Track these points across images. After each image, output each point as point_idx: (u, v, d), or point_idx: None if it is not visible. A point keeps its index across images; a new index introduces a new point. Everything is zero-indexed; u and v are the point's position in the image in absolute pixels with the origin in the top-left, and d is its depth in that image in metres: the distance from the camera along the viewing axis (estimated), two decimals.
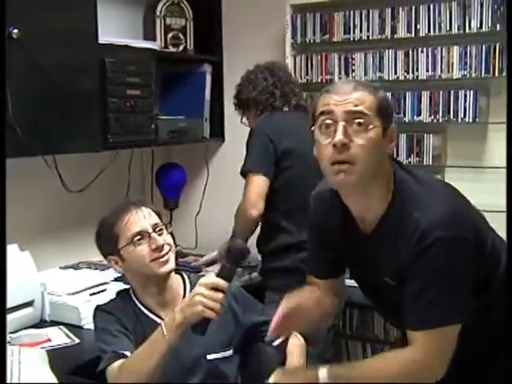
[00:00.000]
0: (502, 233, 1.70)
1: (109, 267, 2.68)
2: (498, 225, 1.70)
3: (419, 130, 2.94)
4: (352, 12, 3.01)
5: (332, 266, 1.75)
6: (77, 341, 2.22)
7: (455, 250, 1.40)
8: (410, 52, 2.91)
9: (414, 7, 2.87)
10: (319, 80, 3.11)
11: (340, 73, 3.06)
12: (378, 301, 1.69)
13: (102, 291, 2.47)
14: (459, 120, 2.84)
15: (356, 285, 1.78)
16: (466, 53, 2.80)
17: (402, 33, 2.91)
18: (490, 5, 2.74)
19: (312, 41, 3.12)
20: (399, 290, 1.48)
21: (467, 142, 2.95)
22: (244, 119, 2.82)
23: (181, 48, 3.28)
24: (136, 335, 1.82)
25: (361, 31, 3.00)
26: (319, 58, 3.10)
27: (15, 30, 2.15)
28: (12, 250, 2.29)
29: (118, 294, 1.95)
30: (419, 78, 2.91)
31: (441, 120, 2.88)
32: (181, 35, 3.27)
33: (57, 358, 2.02)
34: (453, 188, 1.57)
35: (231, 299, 1.88)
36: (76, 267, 2.79)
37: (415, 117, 2.91)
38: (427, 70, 2.88)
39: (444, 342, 1.44)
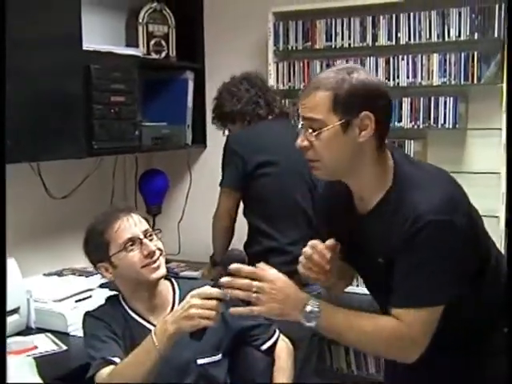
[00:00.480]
0: None
1: (94, 274, 2.68)
2: None
3: (400, 135, 2.99)
4: (334, 20, 3.05)
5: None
6: (64, 348, 2.22)
7: (447, 233, 1.44)
8: (391, 59, 2.96)
9: (394, 16, 2.93)
10: (301, 87, 3.13)
11: None
12: (371, 281, 1.72)
13: (88, 298, 2.47)
14: (439, 126, 2.89)
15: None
16: (445, 60, 2.86)
17: (382, 41, 2.97)
18: (468, 14, 2.81)
19: (294, 48, 3.16)
20: (390, 270, 1.51)
21: (447, 147, 3.01)
22: (226, 131, 2.84)
23: (163, 55, 3.29)
24: (125, 340, 1.82)
25: (342, 39, 3.04)
26: (301, 65, 3.15)
27: None
28: None
29: (107, 299, 1.95)
30: (400, 84, 2.96)
31: (421, 126, 2.93)
32: (163, 42, 3.29)
33: (44, 365, 2.02)
34: (451, 176, 1.61)
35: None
36: (60, 274, 2.78)
37: (396, 123, 2.95)
38: (408, 77, 2.94)
39: (428, 321, 1.48)
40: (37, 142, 2.38)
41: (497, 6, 2.75)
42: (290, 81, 3.18)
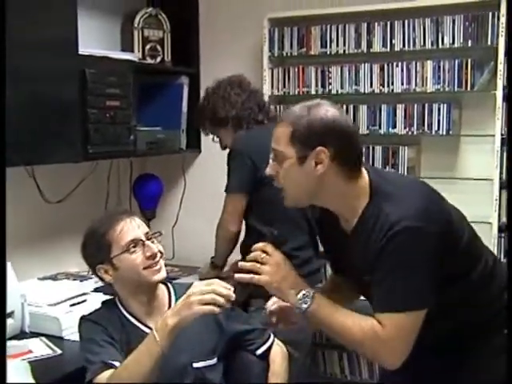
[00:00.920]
0: None
1: (88, 278, 2.69)
2: None
3: (394, 142, 3.01)
4: (329, 26, 3.07)
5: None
6: (59, 352, 2.20)
7: (421, 240, 1.48)
8: (386, 66, 2.99)
9: (389, 23, 2.96)
10: (296, 93, 3.16)
11: (317, 86, 3.13)
12: (367, 297, 1.75)
13: (83, 302, 2.45)
14: (433, 132, 2.92)
15: None
16: (439, 67, 2.89)
17: (377, 47, 2.99)
18: (462, 22, 2.84)
19: (289, 54, 3.18)
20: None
21: (441, 153, 3.04)
22: (215, 137, 2.81)
23: (158, 60, 3.30)
24: (121, 344, 1.82)
25: (337, 45, 3.07)
26: (296, 70, 3.16)
27: None
28: None
29: (103, 303, 1.95)
30: (394, 91, 2.99)
31: (415, 132, 2.96)
32: (158, 47, 3.29)
33: (39, 369, 2.01)
34: (427, 186, 1.65)
35: None
36: (54, 278, 2.77)
37: (390, 129, 2.99)
38: (402, 84, 2.96)
39: (406, 326, 1.51)
40: (32, 145, 2.37)
41: (490, 14, 2.79)
42: (284, 87, 3.19)
